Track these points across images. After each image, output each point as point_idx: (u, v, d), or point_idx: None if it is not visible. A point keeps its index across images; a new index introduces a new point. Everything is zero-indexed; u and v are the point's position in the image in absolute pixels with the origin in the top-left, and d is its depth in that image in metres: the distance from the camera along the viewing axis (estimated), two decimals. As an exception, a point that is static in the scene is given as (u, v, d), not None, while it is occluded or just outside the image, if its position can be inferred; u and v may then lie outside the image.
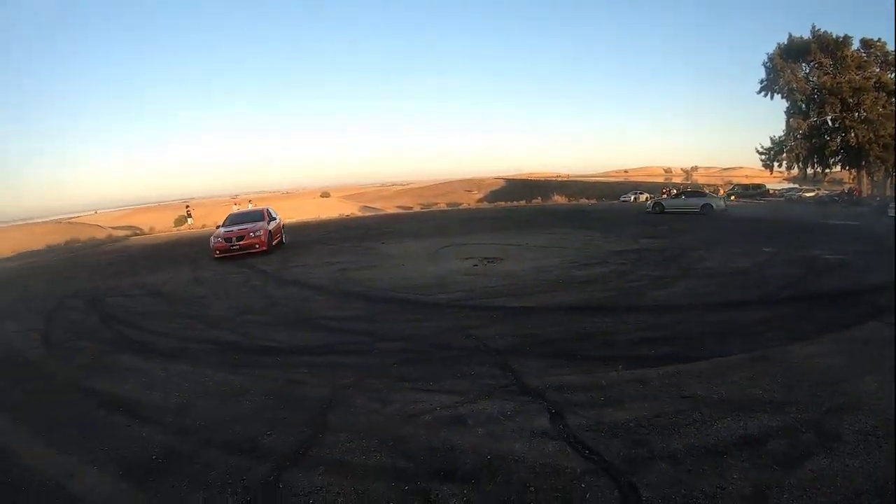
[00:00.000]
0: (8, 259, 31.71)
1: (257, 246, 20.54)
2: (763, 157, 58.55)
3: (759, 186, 62.31)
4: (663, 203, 35.10)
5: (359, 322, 9.43)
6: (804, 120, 52.98)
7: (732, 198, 56.91)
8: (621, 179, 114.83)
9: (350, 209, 67.01)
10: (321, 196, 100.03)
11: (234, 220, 22.96)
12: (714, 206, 32.67)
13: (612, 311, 9.10)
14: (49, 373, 7.81)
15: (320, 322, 9.62)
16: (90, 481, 4.54)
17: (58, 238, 45.77)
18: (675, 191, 46.67)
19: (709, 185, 72.08)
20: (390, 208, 73.88)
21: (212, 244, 20.56)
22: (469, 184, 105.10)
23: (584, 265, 13.94)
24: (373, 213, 60.63)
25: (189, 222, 50.05)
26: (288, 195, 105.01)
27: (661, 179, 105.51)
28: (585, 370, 6.22)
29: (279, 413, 5.63)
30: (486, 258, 15.90)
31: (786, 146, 55.79)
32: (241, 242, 20.37)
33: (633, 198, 63.48)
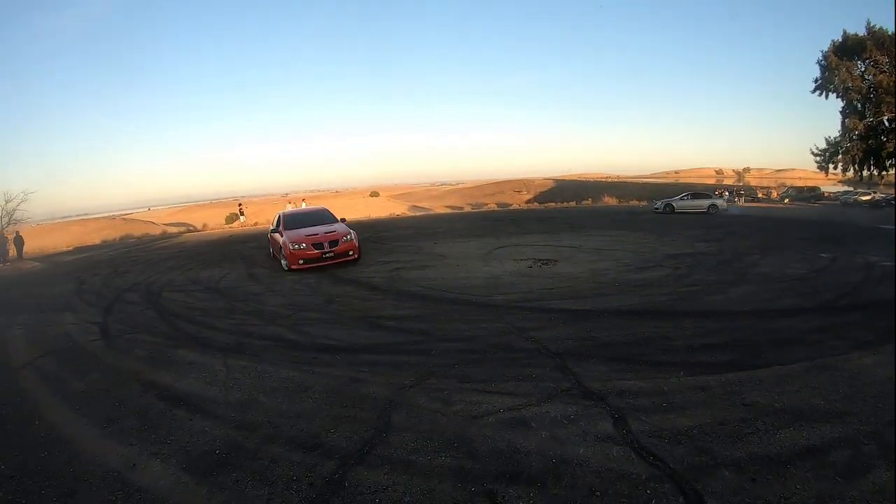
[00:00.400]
0: (65, 253, 32.40)
1: (351, 253, 16.60)
2: (818, 158, 57.13)
3: (814, 189, 60.80)
4: (673, 204, 36.71)
5: (417, 322, 9.34)
6: (860, 120, 51.48)
7: (786, 200, 55.92)
8: (671, 180, 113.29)
9: (399, 209, 67.20)
10: (370, 195, 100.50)
11: (295, 221, 17.86)
12: (718, 207, 36.33)
13: (670, 315, 8.92)
14: (108, 365, 7.89)
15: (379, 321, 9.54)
16: (153, 473, 4.55)
17: (113, 233, 46.84)
18: (723, 191, 47.02)
19: (761, 188, 70.97)
20: (439, 208, 73.74)
21: (289, 250, 15.84)
22: (518, 184, 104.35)
23: (639, 268, 13.68)
24: (422, 213, 60.67)
25: (242, 220, 50.68)
26: (337, 194, 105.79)
27: (712, 181, 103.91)
28: (646, 375, 6.14)
29: (343, 411, 5.59)
30: (539, 260, 15.70)
31: (841, 147, 54.31)
32: (335, 249, 16.12)
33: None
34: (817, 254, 15.18)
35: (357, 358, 7.42)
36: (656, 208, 37.30)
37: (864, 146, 51.52)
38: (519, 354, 7.15)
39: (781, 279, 11.67)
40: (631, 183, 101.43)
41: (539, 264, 14.96)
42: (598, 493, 3.86)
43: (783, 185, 77.48)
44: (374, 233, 29.04)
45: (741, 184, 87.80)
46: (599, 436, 4.69)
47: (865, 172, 54.00)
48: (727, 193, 55.94)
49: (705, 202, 36.93)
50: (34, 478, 4.61)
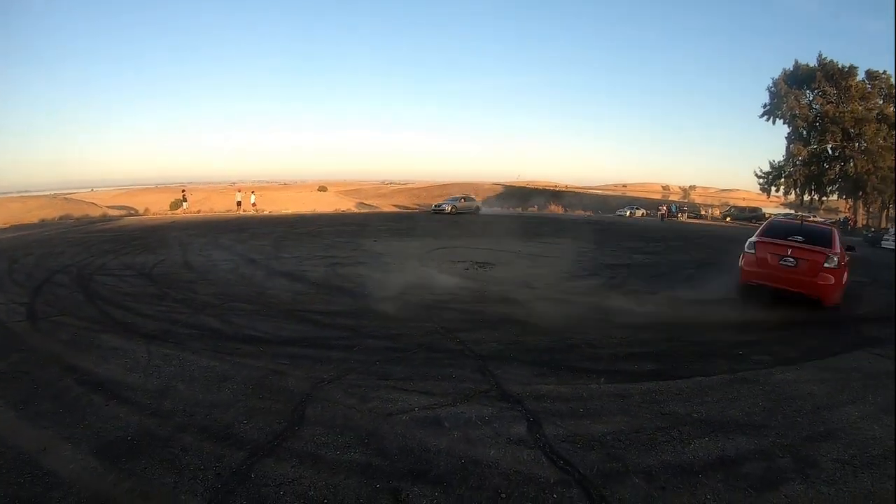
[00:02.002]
0: (0, 231, 31.60)
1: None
2: (761, 180, 58.98)
3: (756, 210, 62.94)
4: (445, 206, 44.59)
5: (346, 318, 9.39)
6: (804, 147, 53.27)
7: (728, 219, 57.51)
8: (619, 193, 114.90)
9: (346, 205, 66.80)
10: (318, 189, 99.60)
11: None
12: (480, 209, 47.79)
13: (594, 322, 9.21)
14: (30, 347, 7.74)
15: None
16: (63, 457, 4.53)
17: (52, 213, 45.64)
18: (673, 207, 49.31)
19: (704, 206, 72.63)
20: (386, 206, 73.71)
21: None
22: (467, 188, 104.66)
23: (574, 276, 14.04)
24: (369, 210, 60.54)
25: (184, 206, 49.91)
26: (285, 186, 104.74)
27: (658, 196, 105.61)
28: (567, 381, 6.27)
29: (258, 403, 5.64)
30: (477, 263, 15.94)
31: (785, 171, 56.14)
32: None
33: (628, 212, 64.48)
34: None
35: (281, 350, 7.44)
36: (433, 210, 44.99)
37: (806, 171, 53.31)
38: (442, 355, 7.26)
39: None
40: (579, 193, 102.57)
41: (476, 267, 15.20)
42: (504, 496, 3.94)
43: (726, 203, 79.35)
44: (316, 227, 28.88)
45: (685, 200, 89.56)
46: (512, 438, 4.78)
47: (806, 197, 55.64)
48: (663, 208, 57.43)
49: (472, 205, 47.03)
50: None
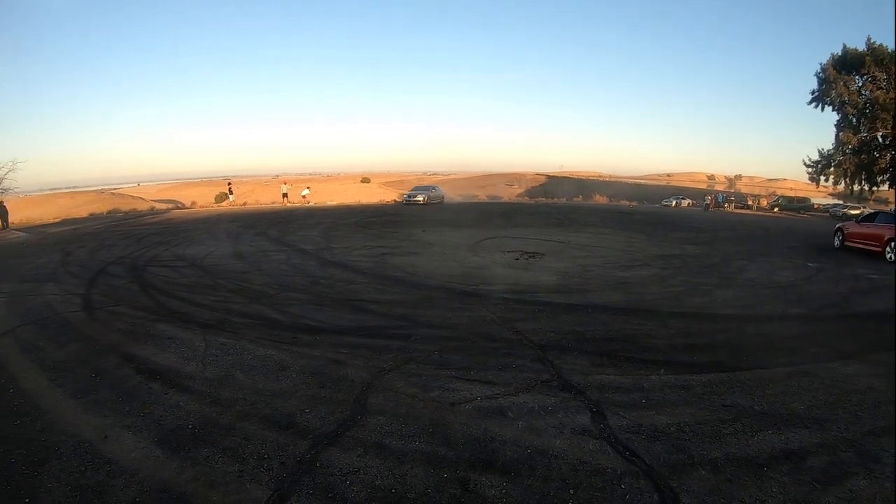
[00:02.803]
0: (52, 224, 32.20)
1: None
2: (810, 169, 57.08)
3: (804, 200, 61.35)
4: (419, 196, 46.21)
5: (401, 307, 9.34)
6: (854, 134, 51.52)
7: (776, 209, 56.39)
8: (664, 183, 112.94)
9: (390, 196, 66.88)
10: (361, 181, 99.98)
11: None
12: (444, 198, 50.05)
13: (654, 314, 9.01)
14: (88, 336, 7.80)
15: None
16: (124, 446, 4.50)
17: (101, 207, 46.50)
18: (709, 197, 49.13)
19: (752, 196, 71.46)
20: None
21: None
22: (509, 178, 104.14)
23: (625, 266, 13.80)
24: (414, 203, 60.57)
25: (231, 199, 50.55)
26: (329, 178, 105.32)
27: (703, 185, 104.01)
28: (627, 371, 6.19)
29: (320, 392, 5.59)
30: (527, 253, 15.84)
31: (834, 160, 54.34)
32: None
33: (674, 202, 63.50)
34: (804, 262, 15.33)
35: (338, 339, 7.39)
36: (404, 202, 47.08)
37: (856, 160, 51.45)
38: (500, 344, 7.17)
39: (768, 285, 11.79)
40: (622, 183, 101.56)
41: (526, 257, 15.07)
42: (572, 486, 3.84)
43: (774, 193, 77.83)
44: (362, 218, 28.96)
45: (731, 190, 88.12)
46: (576, 429, 4.68)
47: (856, 187, 54.01)
48: (709, 198, 56.61)
49: (438, 194, 49.11)
50: (5, 444, 4.54)
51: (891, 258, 16.26)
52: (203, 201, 57.08)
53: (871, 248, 17.53)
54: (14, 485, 3.99)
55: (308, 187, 54.45)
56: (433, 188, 50.93)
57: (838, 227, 20.52)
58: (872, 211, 23.14)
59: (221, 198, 55.50)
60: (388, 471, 4.04)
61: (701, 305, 9.71)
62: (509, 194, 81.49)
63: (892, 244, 16.29)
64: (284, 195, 50.03)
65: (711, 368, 6.29)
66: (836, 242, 20.10)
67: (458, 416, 4.97)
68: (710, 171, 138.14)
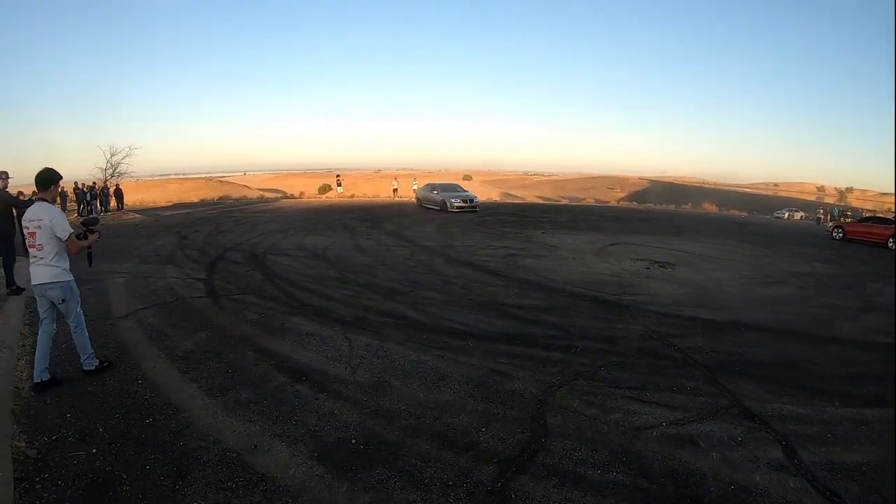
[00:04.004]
0: (164, 208, 33.02)
1: None
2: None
3: None
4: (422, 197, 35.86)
5: (548, 314, 8.77)
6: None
7: None
8: (771, 193, 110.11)
9: (493, 194, 66.69)
10: (463, 178, 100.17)
11: None
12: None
13: (808, 338, 8.41)
14: (216, 325, 7.52)
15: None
16: (279, 459, 4.05)
17: (210, 193, 47.85)
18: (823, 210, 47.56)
19: (868, 211, 68.62)
20: (531, 197, 73.52)
21: None
22: (611, 181, 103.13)
23: (762, 283, 13.02)
24: (518, 201, 60.18)
25: (339, 190, 51.38)
26: (431, 174, 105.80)
27: (812, 197, 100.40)
28: (802, 401, 5.76)
29: (490, 407, 5.10)
30: (656, 262, 15.19)
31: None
32: None
33: (787, 214, 61.42)
34: None
35: (492, 347, 6.89)
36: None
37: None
38: (666, 363, 6.73)
39: None
40: (727, 191, 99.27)
41: (656, 266, 14.48)
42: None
43: (890, 210, 74.41)
44: (476, 215, 28.49)
45: (843, 204, 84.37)
46: (772, 464, 4.36)
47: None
48: (821, 211, 54.27)
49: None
50: (137, 448, 4.17)
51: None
52: (309, 192, 58.04)
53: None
54: (151, 498, 3.58)
55: (416, 179, 54.71)
56: (454, 187, 35.11)
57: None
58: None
59: (325, 189, 56.42)
60: (592, 505, 3.63)
61: (851, 332, 9.02)
62: (611, 197, 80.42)
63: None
64: (395, 189, 50.25)
65: (881, 402, 5.87)
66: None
67: (648, 443, 4.58)
68: (820, 182, 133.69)
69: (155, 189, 53.13)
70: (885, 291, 13.19)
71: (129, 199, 33.01)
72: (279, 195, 54.28)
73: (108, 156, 34.97)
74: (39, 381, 5.34)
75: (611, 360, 6.66)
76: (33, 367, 5.47)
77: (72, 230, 5.34)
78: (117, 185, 32.60)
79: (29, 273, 5.49)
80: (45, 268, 5.31)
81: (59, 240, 5.28)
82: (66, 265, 5.46)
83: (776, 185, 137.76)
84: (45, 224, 5.20)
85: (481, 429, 4.60)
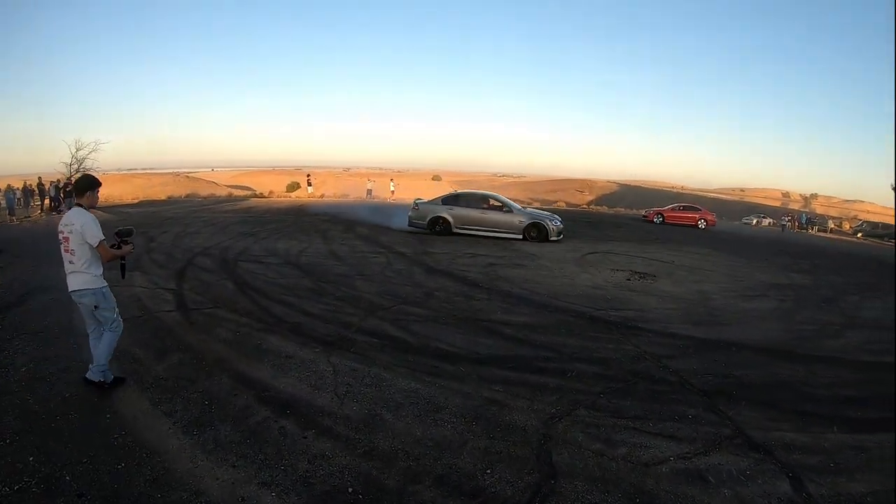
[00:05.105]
0: (130, 205, 32.50)
1: None
2: (905, 195, 55.32)
3: (889, 226, 58.72)
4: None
5: (536, 332, 8.59)
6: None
7: (859, 235, 54.53)
8: (737, 198, 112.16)
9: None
10: (432, 179, 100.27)
11: None
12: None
13: (797, 357, 8.43)
14: (189, 346, 7.11)
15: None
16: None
17: (177, 190, 47.32)
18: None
19: (834, 218, 69.91)
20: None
21: None
22: (580, 184, 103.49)
23: (744, 296, 13.18)
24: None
25: (309, 190, 51.74)
26: (399, 174, 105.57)
27: (778, 203, 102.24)
28: (801, 427, 5.74)
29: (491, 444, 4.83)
30: (637, 273, 15.20)
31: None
32: None
33: (755, 221, 62.70)
34: None
35: (485, 372, 6.62)
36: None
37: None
38: (664, 388, 6.61)
39: (892, 327, 11.05)
40: (695, 196, 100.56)
41: (637, 277, 14.54)
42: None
43: (856, 217, 75.88)
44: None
45: (807, 210, 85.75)
46: (782, 498, 4.30)
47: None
48: (787, 218, 55.03)
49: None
50: (113, 500, 3.75)
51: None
52: (278, 190, 57.74)
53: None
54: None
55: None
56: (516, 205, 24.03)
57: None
58: None
59: (293, 187, 56.21)
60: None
61: (838, 349, 9.14)
62: (581, 200, 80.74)
63: None
64: (369, 191, 50.08)
65: (878, 426, 5.92)
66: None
67: (659, 481, 4.43)
68: (785, 189, 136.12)
69: (121, 184, 52.29)
70: (863, 305, 13.39)
71: (92, 195, 32.34)
72: (248, 193, 53.82)
73: (74, 150, 34.27)
74: (99, 381, 5.55)
75: (608, 385, 6.49)
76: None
77: (103, 237, 5.36)
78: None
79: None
80: (78, 275, 5.39)
81: (91, 246, 5.32)
82: (99, 272, 5.51)
83: (743, 190, 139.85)
84: (76, 229, 5.28)
85: (486, 470, 4.32)
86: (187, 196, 43.89)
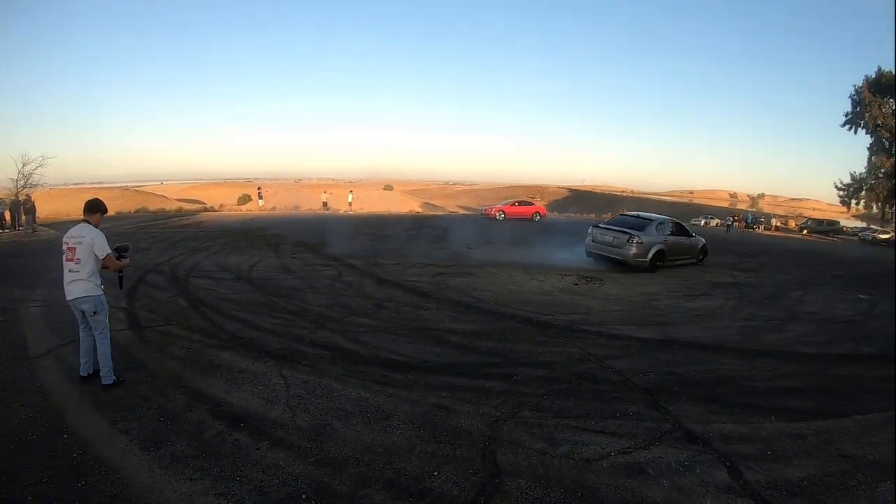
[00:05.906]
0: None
1: None
2: (841, 192, 57.03)
3: (833, 223, 60.51)
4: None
5: (482, 339, 8.81)
6: (888, 158, 50.94)
7: (804, 232, 55.78)
8: (686, 200, 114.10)
9: (413, 205, 66.69)
10: (384, 189, 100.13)
11: None
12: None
13: (739, 352, 8.85)
14: (143, 364, 7.18)
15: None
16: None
17: (127, 205, 46.55)
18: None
19: (780, 217, 71.41)
20: (452, 207, 74.15)
21: None
22: (532, 191, 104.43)
23: (689, 296, 13.70)
24: (440, 212, 60.33)
25: (260, 203, 50.87)
26: (351, 184, 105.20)
27: (726, 204, 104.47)
28: (740, 419, 6.03)
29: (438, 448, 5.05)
30: (584, 277, 15.57)
31: (866, 184, 54.04)
32: None
33: (703, 222, 63.83)
34: None
35: (433, 379, 6.83)
36: None
37: (889, 184, 50.92)
38: (606, 387, 6.85)
39: (831, 320, 11.86)
40: (644, 199, 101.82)
41: (584, 281, 14.88)
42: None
43: (801, 215, 77.66)
44: (400, 229, 28.73)
45: (754, 209, 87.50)
46: (720, 486, 4.54)
47: (888, 210, 53.32)
48: (731, 218, 56.23)
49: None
50: None
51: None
52: (229, 202, 57.16)
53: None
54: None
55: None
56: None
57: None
58: None
59: (245, 199, 55.73)
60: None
61: (779, 343, 9.61)
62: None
63: None
64: (325, 203, 49.92)
65: (814, 414, 6.28)
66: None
67: (600, 475, 4.64)
68: (733, 190, 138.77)
69: (68, 198, 50.95)
70: (805, 300, 14.00)
71: (40, 211, 31.37)
72: (199, 207, 53.10)
73: (20, 166, 33.49)
74: (86, 374, 6.38)
75: (552, 387, 6.70)
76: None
77: (111, 250, 6.29)
78: (29, 198, 30.79)
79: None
80: (80, 283, 6.16)
81: (96, 257, 6.15)
82: (99, 281, 6.32)
83: (691, 192, 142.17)
84: (86, 241, 6.09)
85: (433, 473, 4.51)
86: (137, 211, 43.15)
